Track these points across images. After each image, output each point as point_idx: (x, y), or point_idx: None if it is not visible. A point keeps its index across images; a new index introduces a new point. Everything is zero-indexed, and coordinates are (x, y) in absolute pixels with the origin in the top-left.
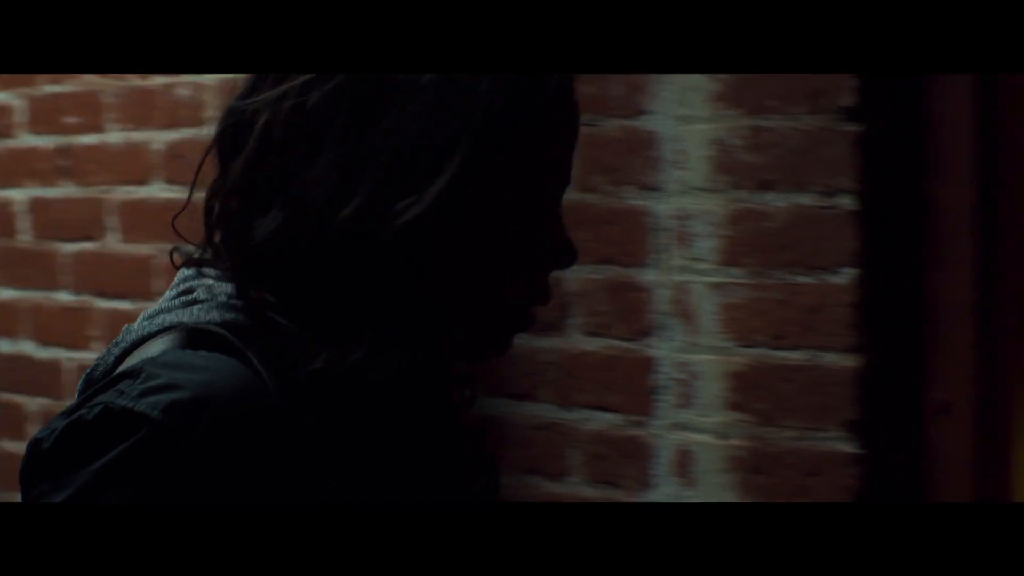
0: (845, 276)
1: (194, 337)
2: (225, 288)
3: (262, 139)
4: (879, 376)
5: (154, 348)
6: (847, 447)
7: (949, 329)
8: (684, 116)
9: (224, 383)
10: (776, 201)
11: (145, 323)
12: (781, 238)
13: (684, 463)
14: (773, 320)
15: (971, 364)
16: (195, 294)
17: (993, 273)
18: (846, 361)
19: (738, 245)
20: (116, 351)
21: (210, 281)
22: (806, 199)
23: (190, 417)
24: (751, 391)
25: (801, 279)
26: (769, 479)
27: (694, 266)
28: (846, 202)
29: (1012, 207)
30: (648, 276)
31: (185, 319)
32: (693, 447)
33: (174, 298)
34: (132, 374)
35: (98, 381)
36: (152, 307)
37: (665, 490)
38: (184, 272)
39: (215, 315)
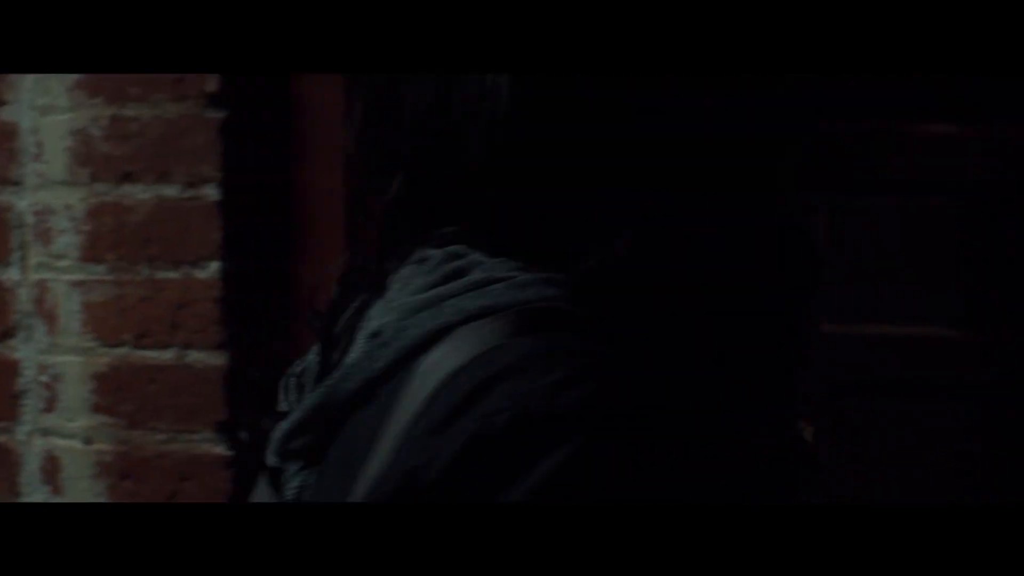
0: (210, 270)
1: (527, 320)
2: (507, 264)
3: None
4: (249, 373)
5: (471, 340)
6: (218, 449)
7: None
8: (44, 106)
9: (616, 365)
10: (138, 193)
11: (413, 317)
12: (143, 232)
13: (51, 470)
14: (138, 318)
15: None
16: (473, 275)
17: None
18: (213, 359)
19: (99, 240)
20: (388, 352)
21: (478, 257)
22: (170, 190)
23: (613, 411)
24: (117, 393)
25: (165, 274)
26: (139, 484)
27: (55, 263)
28: (210, 192)
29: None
30: (9, 275)
31: (494, 301)
32: (59, 453)
33: (436, 284)
34: (512, 371)
35: (362, 389)
36: (400, 300)
37: (35, 498)
38: (431, 253)
39: (531, 293)
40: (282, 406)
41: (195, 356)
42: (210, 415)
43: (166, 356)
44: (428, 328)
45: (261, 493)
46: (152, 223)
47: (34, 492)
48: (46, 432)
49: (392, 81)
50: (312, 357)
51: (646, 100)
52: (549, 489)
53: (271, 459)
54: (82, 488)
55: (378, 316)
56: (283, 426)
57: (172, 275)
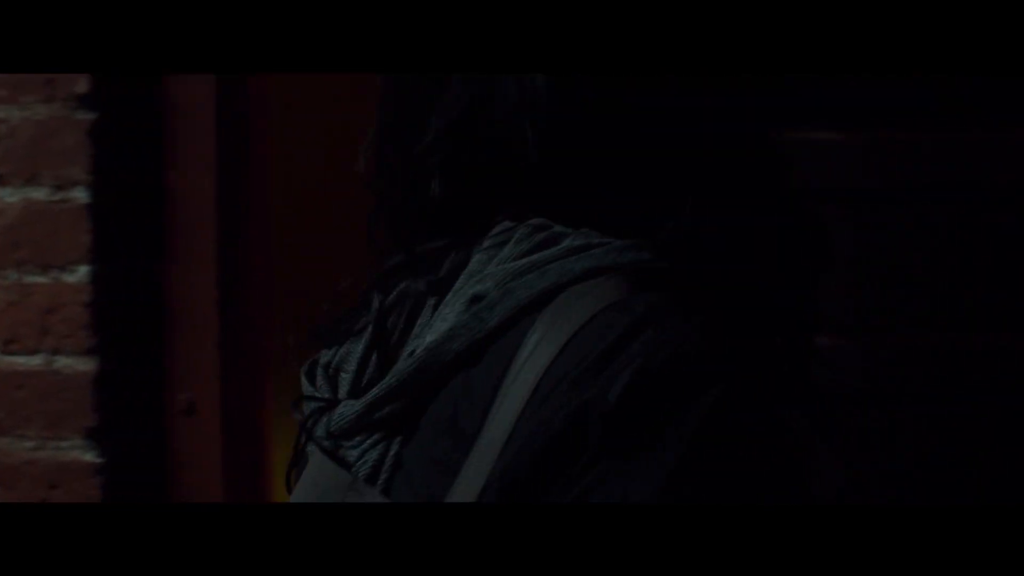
0: (79, 274)
1: (638, 278)
2: (592, 233)
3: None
4: (119, 379)
5: (592, 295)
6: (88, 456)
7: (191, 327)
8: None
9: (722, 322)
10: (7, 196)
11: (516, 280)
12: (12, 235)
13: None
14: (6, 323)
15: (216, 363)
16: (568, 242)
17: (235, 268)
18: (83, 365)
19: None
20: (497, 312)
21: (562, 228)
22: (38, 193)
23: (746, 353)
24: None
25: (34, 278)
26: (7, 492)
27: None
28: (80, 195)
29: (254, 200)
30: None
31: (597, 263)
32: None
33: (530, 252)
34: (654, 316)
35: (468, 349)
36: (492, 268)
37: None
38: (515, 227)
39: (630, 256)
40: (309, 392)
41: (64, 362)
42: (79, 421)
43: (35, 362)
44: (538, 288)
45: (320, 472)
46: (21, 226)
47: None
48: None
49: (418, 89)
50: (340, 349)
51: (674, 100)
52: (720, 413)
53: (325, 441)
54: None
55: (471, 286)
56: (358, 402)
57: (41, 279)
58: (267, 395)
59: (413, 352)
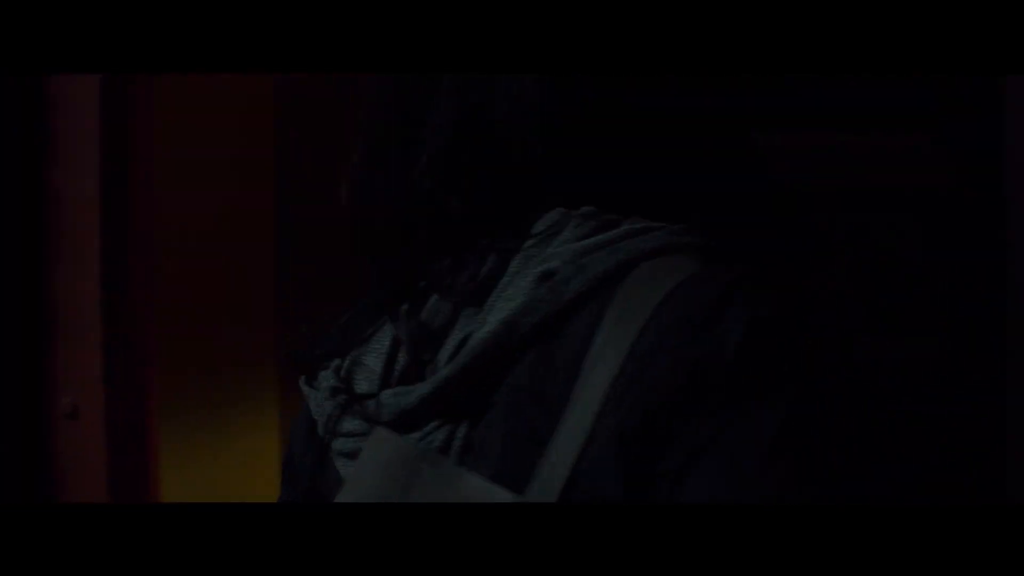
0: None
1: (705, 254)
2: (642, 219)
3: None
4: (1, 381)
5: (670, 267)
6: None
7: (75, 330)
8: None
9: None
10: None
11: (587, 258)
12: None
13: None
14: None
15: (99, 366)
16: (626, 225)
17: (119, 270)
18: None
19: None
20: (573, 286)
21: (613, 215)
22: None
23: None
24: None
25: None
26: None
27: None
28: None
29: (137, 201)
30: None
31: (662, 243)
32: None
33: (591, 234)
34: (740, 280)
35: (543, 322)
36: (555, 249)
37: None
38: (566, 212)
39: (688, 238)
40: (315, 396)
41: None
42: None
43: None
44: (610, 263)
45: (381, 453)
46: None
47: None
48: None
49: (414, 102)
50: (348, 356)
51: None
52: (820, 355)
53: (357, 424)
54: None
55: (535, 265)
56: (420, 385)
57: None
58: (151, 398)
59: (467, 337)
